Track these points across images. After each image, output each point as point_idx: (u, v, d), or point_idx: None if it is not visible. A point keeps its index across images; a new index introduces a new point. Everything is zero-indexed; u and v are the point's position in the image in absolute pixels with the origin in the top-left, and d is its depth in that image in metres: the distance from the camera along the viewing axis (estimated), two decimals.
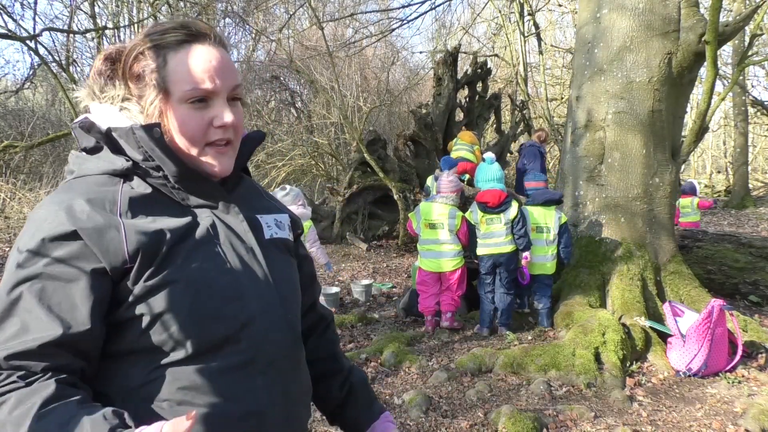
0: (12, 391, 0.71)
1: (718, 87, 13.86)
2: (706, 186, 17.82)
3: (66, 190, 0.82)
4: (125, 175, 0.84)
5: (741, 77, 12.81)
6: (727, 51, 14.67)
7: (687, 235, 5.65)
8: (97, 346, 0.79)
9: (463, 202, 5.06)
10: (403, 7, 16.83)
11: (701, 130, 4.55)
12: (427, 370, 3.61)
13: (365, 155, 8.19)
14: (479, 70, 10.23)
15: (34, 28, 7.57)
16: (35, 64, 10.64)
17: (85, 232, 0.76)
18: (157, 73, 0.84)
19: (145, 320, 0.79)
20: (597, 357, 3.56)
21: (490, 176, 4.40)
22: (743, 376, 3.53)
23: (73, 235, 0.76)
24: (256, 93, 15.33)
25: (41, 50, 7.53)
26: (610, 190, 4.66)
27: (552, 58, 16.78)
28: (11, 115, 11.63)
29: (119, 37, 11.34)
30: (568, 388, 3.33)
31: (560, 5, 14.43)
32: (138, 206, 0.82)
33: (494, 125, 11.40)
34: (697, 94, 12.33)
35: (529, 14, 12.56)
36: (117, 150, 0.85)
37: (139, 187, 0.84)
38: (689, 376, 3.53)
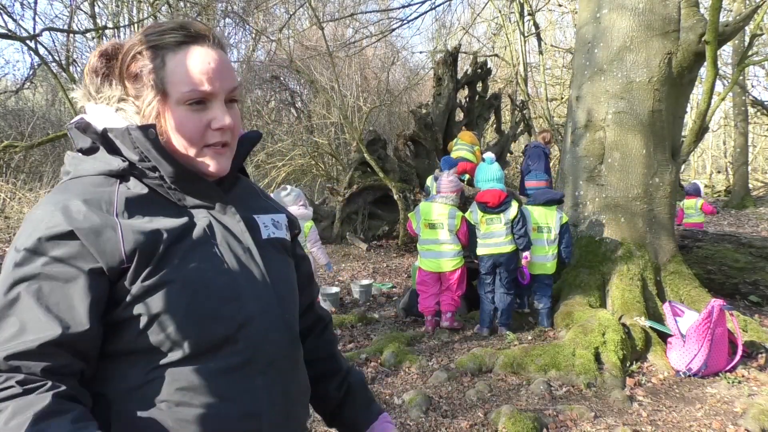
0: (9, 398, 0.70)
1: (718, 87, 13.86)
2: (706, 186, 17.80)
3: (62, 190, 0.82)
4: (121, 176, 0.84)
5: (741, 77, 12.81)
6: (727, 51, 14.67)
7: (687, 235, 5.65)
8: (95, 347, 0.78)
9: (463, 202, 5.06)
10: (403, 7, 16.84)
11: (701, 130, 4.55)
12: (427, 370, 3.61)
13: (365, 155, 8.19)
14: (479, 70, 10.23)
15: (34, 28, 7.57)
16: (35, 64, 10.65)
17: (81, 233, 0.76)
18: (154, 74, 0.84)
19: (143, 320, 0.78)
20: (597, 357, 3.56)
21: (490, 176, 4.40)
22: (743, 376, 3.53)
23: (69, 235, 0.76)
24: (256, 93, 15.33)
25: (41, 50, 7.53)
26: (610, 190, 4.66)
27: (552, 58, 16.78)
28: (11, 115, 11.64)
29: (119, 37, 11.33)
30: (568, 388, 3.33)
31: (560, 5, 14.42)
32: (134, 206, 0.82)
33: (494, 125, 11.41)
34: (697, 94, 12.32)
35: (529, 14, 12.55)
36: (113, 150, 0.85)
37: (135, 187, 0.84)
38: (689, 376, 3.53)
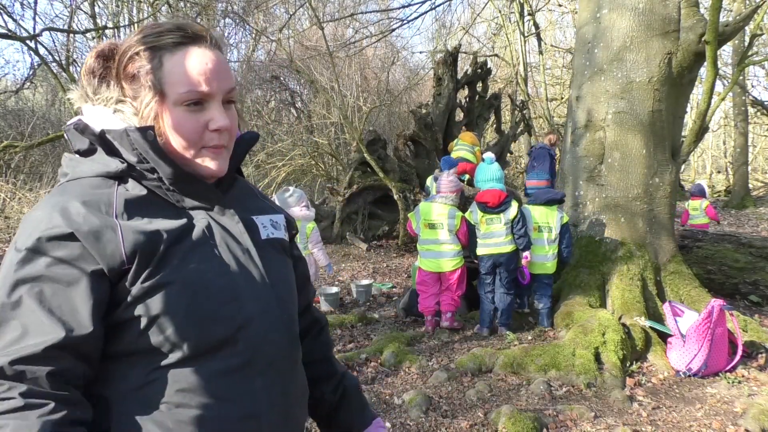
0: (10, 412, 0.70)
1: (718, 87, 13.87)
2: (706, 186, 17.80)
3: (60, 192, 0.81)
4: (120, 178, 0.84)
5: (741, 77, 12.81)
6: (727, 51, 14.67)
7: (687, 235, 5.66)
8: (97, 349, 0.78)
9: (463, 203, 5.06)
10: (403, 7, 16.85)
11: (701, 130, 4.55)
12: (427, 370, 3.61)
13: (365, 155, 8.19)
14: (479, 70, 10.23)
15: (34, 28, 7.57)
16: (35, 64, 10.65)
17: (82, 234, 0.76)
18: (152, 75, 0.83)
19: (143, 322, 0.78)
20: (597, 357, 3.56)
21: (489, 176, 4.40)
22: (743, 376, 3.53)
23: (70, 237, 0.76)
24: (256, 93, 15.34)
25: (41, 50, 7.54)
26: (610, 190, 4.66)
27: (552, 58, 16.78)
28: (11, 115, 11.64)
29: (119, 37, 11.33)
30: (568, 388, 3.33)
31: (560, 5, 14.43)
32: (134, 208, 0.82)
33: (494, 125, 11.41)
34: (697, 94, 12.33)
35: (529, 14, 12.56)
36: (111, 152, 0.85)
37: (134, 189, 0.84)
38: (689, 376, 3.53)
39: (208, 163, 0.87)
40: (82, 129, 0.86)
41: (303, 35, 14.03)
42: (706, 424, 2.90)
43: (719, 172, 21.55)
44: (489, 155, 4.65)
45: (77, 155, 0.88)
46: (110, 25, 10.77)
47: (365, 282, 5.86)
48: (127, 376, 0.80)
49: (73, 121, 0.88)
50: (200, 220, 0.88)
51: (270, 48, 15.82)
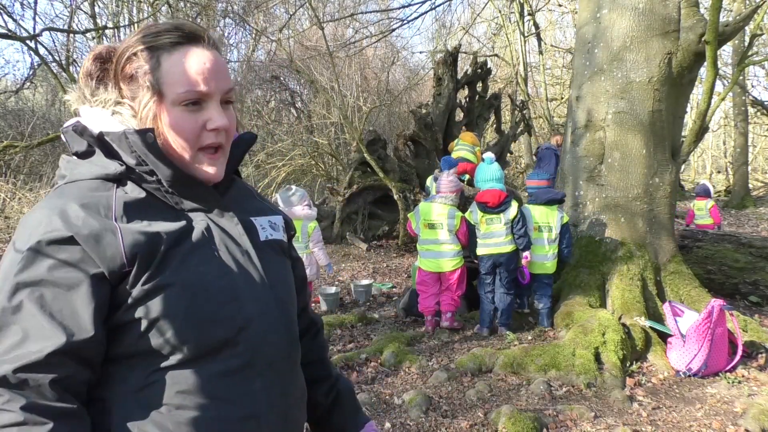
0: (9, 426, 0.69)
1: (718, 87, 13.87)
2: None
3: (59, 195, 0.81)
4: (118, 180, 0.84)
5: (741, 77, 12.81)
6: (727, 51, 14.68)
7: (687, 235, 5.66)
8: (99, 353, 0.78)
9: (463, 203, 5.06)
10: (403, 7, 16.85)
11: (701, 130, 4.55)
12: (427, 370, 3.61)
13: (365, 155, 8.19)
14: (479, 70, 10.23)
15: (34, 28, 7.57)
16: (35, 64, 10.66)
17: (81, 238, 0.76)
18: (150, 75, 0.83)
19: (143, 324, 0.78)
20: (597, 357, 3.56)
21: (489, 176, 4.40)
22: (743, 376, 3.53)
23: (70, 241, 0.75)
24: (256, 93, 15.34)
25: (41, 50, 7.54)
26: (610, 190, 4.66)
27: (552, 58, 16.79)
28: (11, 115, 11.63)
29: (119, 37, 11.34)
30: (568, 388, 3.33)
31: (560, 5, 14.43)
32: (133, 210, 0.81)
33: (494, 125, 11.41)
34: (697, 94, 12.33)
35: (529, 14, 12.57)
36: (110, 154, 0.85)
37: (132, 191, 0.84)
38: (689, 376, 3.53)
39: (207, 168, 0.87)
40: (81, 131, 0.86)
41: (303, 35, 14.03)
42: (706, 424, 2.90)
43: (719, 172, 21.56)
44: (489, 155, 4.65)
45: (75, 157, 0.87)
46: (110, 25, 10.78)
47: (365, 282, 5.86)
48: (126, 378, 0.80)
49: (71, 123, 0.88)
50: (199, 222, 0.87)
51: (270, 48, 15.83)
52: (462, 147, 7.90)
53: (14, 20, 7.97)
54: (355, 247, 8.42)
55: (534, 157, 9.71)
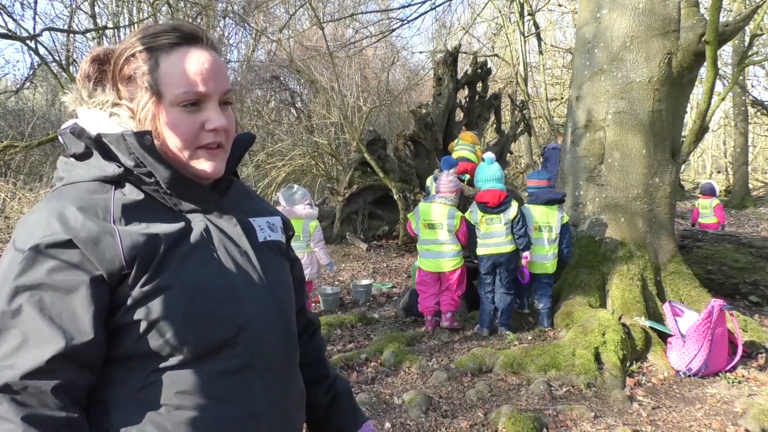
0: None
1: (718, 87, 13.86)
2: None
3: (56, 197, 0.81)
4: (117, 182, 0.84)
5: (741, 77, 12.81)
6: (727, 51, 14.68)
7: (687, 235, 5.65)
8: (100, 356, 0.78)
9: (463, 203, 5.06)
10: (403, 7, 16.85)
11: (701, 130, 4.55)
12: (427, 370, 3.61)
13: (365, 155, 8.19)
14: (479, 70, 10.23)
15: (34, 28, 7.57)
16: (35, 64, 10.66)
17: (80, 241, 0.75)
18: (149, 76, 0.83)
19: (143, 325, 0.78)
20: (597, 357, 3.56)
21: (489, 176, 4.40)
22: (743, 376, 3.53)
23: (68, 244, 0.75)
24: (256, 93, 15.34)
25: (41, 50, 7.54)
26: (610, 190, 4.66)
27: (552, 58, 16.79)
28: (11, 115, 11.63)
29: (119, 37, 11.34)
30: (568, 388, 3.33)
31: (560, 5, 14.43)
32: (131, 213, 0.81)
33: (494, 125, 11.41)
34: (697, 94, 12.33)
35: (529, 14, 12.56)
36: (108, 156, 0.85)
37: (131, 193, 0.83)
38: (689, 376, 3.53)
39: (204, 165, 0.87)
40: (78, 133, 0.85)
41: (303, 35, 14.03)
42: (706, 424, 2.90)
43: (719, 172, 21.56)
44: (489, 155, 4.65)
45: (73, 159, 0.87)
46: (110, 25, 10.78)
47: (365, 282, 5.86)
48: (126, 379, 0.80)
49: (68, 125, 0.88)
50: (198, 223, 0.87)
51: (270, 48, 15.83)
52: (462, 147, 7.91)
53: (14, 20, 7.97)
54: (355, 247, 8.42)
55: (540, 157, 9.70)
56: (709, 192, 7.50)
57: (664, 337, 3.86)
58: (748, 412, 2.92)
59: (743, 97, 14.10)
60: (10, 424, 0.69)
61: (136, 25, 10.33)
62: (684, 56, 4.41)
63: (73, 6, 9.51)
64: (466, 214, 4.43)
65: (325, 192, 9.86)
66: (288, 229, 1.07)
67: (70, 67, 8.49)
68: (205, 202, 0.90)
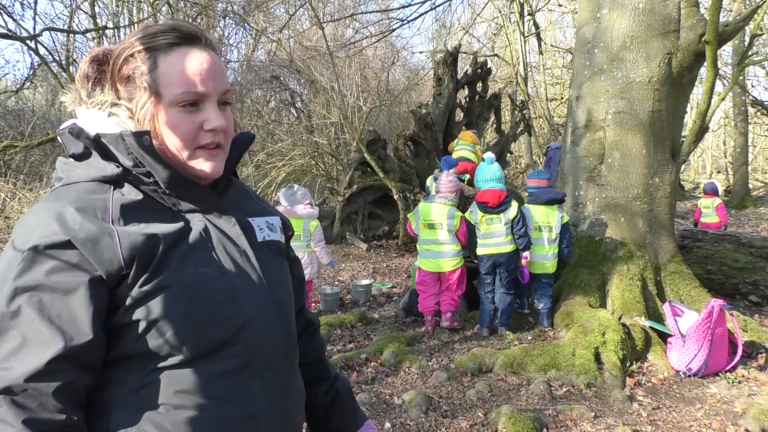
0: None
1: (718, 87, 13.86)
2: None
3: (55, 197, 0.81)
4: (115, 182, 0.83)
5: (741, 77, 12.81)
6: (727, 51, 14.67)
7: (687, 235, 5.65)
8: (99, 356, 0.78)
9: (463, 203, 5.06)
10: (403, 7, 16.84)
11: (701, 130, 4.55)
12: (427, 370, 3.61)
13: (365, 155, 8.19)
14: (479, 70, 10.23)
15: (34, 28, 7.57)
16: (35, 64, 10.66)
17: (78, 242, 0.75)
18: (147, 76, 0.83)
19: (141, 325, 0.78)
20: (597, 357, 3.56)
21: (489, 176, 4.40)
22: (743, 376, 3.53)
23: (67, 245, 0.75)
24: (256, 93, 15.34)
25: (41, 50, 7.54)
26: (610, 190, 4.66)
27: (552, 58, 16.79)
28: (11, 115, 11.63)
29: (119, 37, 11.34)
30: (568, 388, 3.33)
31: (560, 5, 14.43)
32: (130, 213, 0.81)
33: (494, 125, 11.41)
34: (697, 94, 12.32)
35: (529, 14, 12.57)
36: (106, 156, 0.85)
37: (130, 193, 0.83)
38: (689, 376, 3.53)
39: (203, 165, 0.87)
40: (77, 133, 0.85)
41: (303, 35, 14.03)
42: (706, 424, 2.90)
43: (719, 172, 21.56)
44: (489, 155, 4.65)
45: (72, 159, 0.87)
46: (110, 25, 10.78)
47: (365, 282, 5.86)
48: (125, 379, 0.80)
49: (67, 125, 0.88)
50: (197, 223, 0.87)
51: (270, 48, 15.83)
52: (463, 147, 7.91)
53: (14, 20, 7.97)
54: (355, 247, 8.42)
55: (543, 157, 9.69)
56: (712, 191, 7.52)
57: (664, 337, 3.86)
58: (748, 412, 2.92)
59: (743, 97, 14.10)
60: (10, 428, 0.69)
61: (136, 25, 10.33)
62: (684, 56, 4.41)
63: (73, 6, 9.51)
64: (466, 214, 4.43)
65: (325, 192, 9.86)
66: (287, 229, 1.07)
67: (70, 67, 8.49)
68: (204, 202, 0.90)
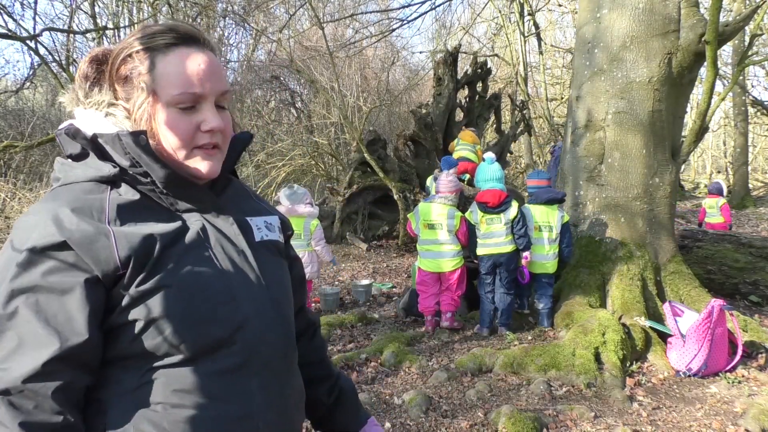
0: None
1: (718, 87, 13.87)
2: (705, 186, 17.81)
3: (52, 198, 0.81)
4: (112, 182, 0.83)
5: (741, 77, 12.81)
6: (727, 51, 14.68)
7: (687, 235, 5.65)
8: (96, 357, 0.78)
9: (463, 203, 5.06)
10: (403, 7, 16.83)
11: (701, 130, 4.55)
12: (427, 370, 3.61)
13: (365, 155, 8.19)
14: (479, 70, 10.23)
15: (34, 28, 7.57)
16: (35, 64, 10.65)
17: (74, 242, 0.75)
18: (145, 76, 0.83)
19: (139, 325, 0.78)
20: (597, 357, 3.56)
21: (490, 176, 4.40)
22: (743, 376, 3.53)
23: (63, 246, 0.75)
24: (256, 93, 15.34)
25: (41, 50, 7.53)
26: (610, 190, 4.66)
27: (552, 58, 16.79)
28: (11, 115, 11.63)
29: (119, 37, 11.34)
30: (568, 388, 3.33)
31: (560, 5, 14.43)
32: (127, 213, 0.81)
33: (494, 125, 11.41)
34: (697, 94, 12.32)
35: (529, 14, 12.57)
36: (103, 156, 0.85)
37: (126, 193, 0.83)
38: (689, 376, 3.53)
39: (200, 165, 0.86)
40: (74, 133, 0.85)
41: (303, 35, 14.03)
42: (706, 424, 2.90)
43: (719, 172, 21.56)
44: (489, 155, 4.65)
45: (69, 159, 0.87)
46: (110, 25, 10.78)
47: (365, 282, 5.86)
48: (122, 379, 0.80)
49: (64, 126, 0.88)
50: (194, 222, 0.87)
51: (270, 48, 15.82)
52: (463, 146, 7.91)
53: (14, 20, 7.96)
54: (355, 247, 8.42)
55: (545, 156, 9.70)
56: (716, 191, 7.51)
57: (664, 337, 3.86)
58: (748, 412, 2.92)
59: (743, 97, 14.10)
60: (7, 431, 0.69)
61: (136, 25, 10.33)
62: (684, 56, 4.41)
63: (73, 6, 9.51)
64: (466, 214, 4.43)
65: (325, 192, 9.86)
66: (286, 228, 1.07)
67: (70, 67, 8.49)
68: (201, 201, 0.89)
